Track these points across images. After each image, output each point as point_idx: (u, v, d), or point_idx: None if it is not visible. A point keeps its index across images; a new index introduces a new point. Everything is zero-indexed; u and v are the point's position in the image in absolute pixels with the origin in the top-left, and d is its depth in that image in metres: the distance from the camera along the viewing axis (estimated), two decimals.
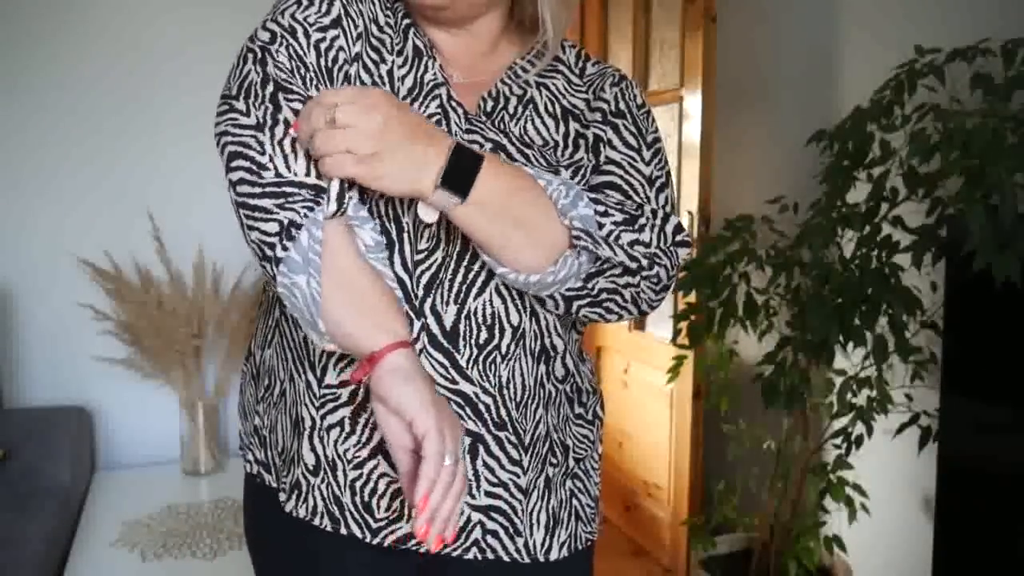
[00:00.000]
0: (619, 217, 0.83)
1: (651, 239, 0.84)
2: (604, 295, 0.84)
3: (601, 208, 0.82)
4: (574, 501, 0.95)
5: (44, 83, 2.34)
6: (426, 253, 0.83)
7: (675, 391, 2.58)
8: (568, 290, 0.83)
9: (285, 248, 0.74)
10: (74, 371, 2.41)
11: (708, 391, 2.24)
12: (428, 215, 0.78)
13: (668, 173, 0.93)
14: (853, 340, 1.66)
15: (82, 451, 2.26)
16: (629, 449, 2.90)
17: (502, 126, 0.89)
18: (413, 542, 0.87)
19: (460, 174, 0.75)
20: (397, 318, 0.77)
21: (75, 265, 2.39)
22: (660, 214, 0.87)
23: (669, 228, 0.87)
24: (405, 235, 0.83)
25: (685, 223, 2.49)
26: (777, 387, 1.80)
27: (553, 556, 0.92)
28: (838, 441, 1.87)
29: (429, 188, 0.75)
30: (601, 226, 0.81)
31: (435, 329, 0.83)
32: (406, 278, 0.83)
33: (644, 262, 0.83)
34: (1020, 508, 1.40)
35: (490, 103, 0.90)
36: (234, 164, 0.77)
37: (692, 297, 2.02)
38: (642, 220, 0.84)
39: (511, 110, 0.90)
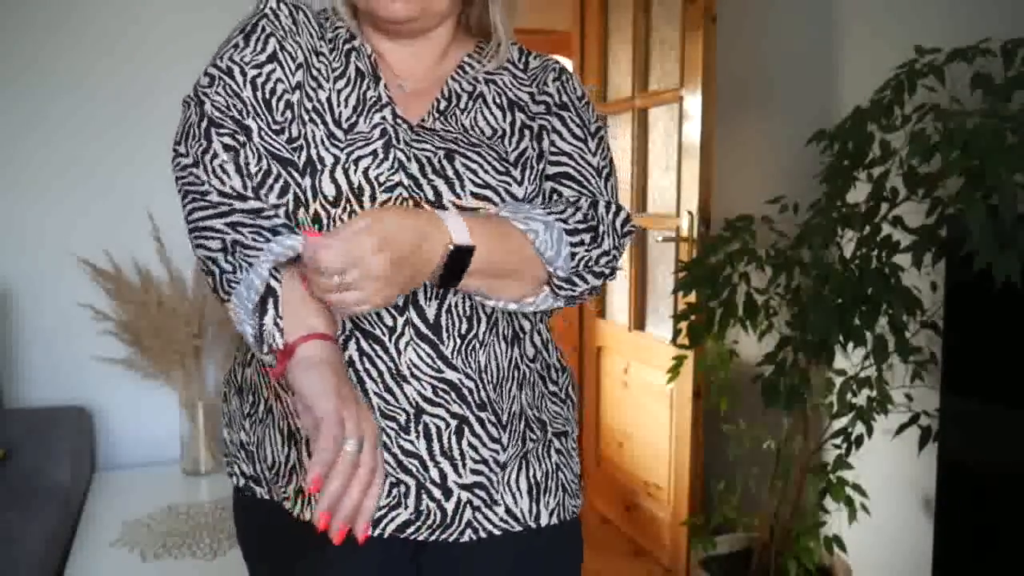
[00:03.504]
0: (587, 239, 0.90)
1: (610, 245, 0.92)
2: (567, 301, 0.93)
3: (576, 239, 0.89)
4: (559, 475, 0.99)
5: (44, 84, 2.34)
6: None
7: (675, 391, 2.58)
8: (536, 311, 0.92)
9: (228, 294, 0.80)
10: (74, 371, 2.41)
11: (708, 391, 2.24)
12: None
13: (611, 160, 1.01)
14: (853, 340, 1.66)
15: (82, 451, 2.26)
16: (629, 449, 2.90)
17: (453, 122, 0.95)
18: (410, 530, 0.90)
19: (452, 274, 0.81)
20: (316, 315, 0.79)
21: (75, 265, 2.39)
22: (612, 208, 0.94)
23: (619, 222, 0.94)
24: None
25: (684, 224, 2.50)
26: (777, 387, 1.80)
27: (544, 522, 0.96)
28: (838, 441, 1.87)
29: (422, 281, 0.82)
30: (574, 256, 0.89)
31: (418, 323, 0.88)
32: None
33: (607, 271, 0.93)
34: (1020, 508, 1.40)
35: (443, 102, 0.97)
36: (185, 201, 0.85)
37: (692, 297, 2.02)
38: (601, 229, 0.92)
39: (462, 106, 0.97)
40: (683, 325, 2.02)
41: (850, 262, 1.72)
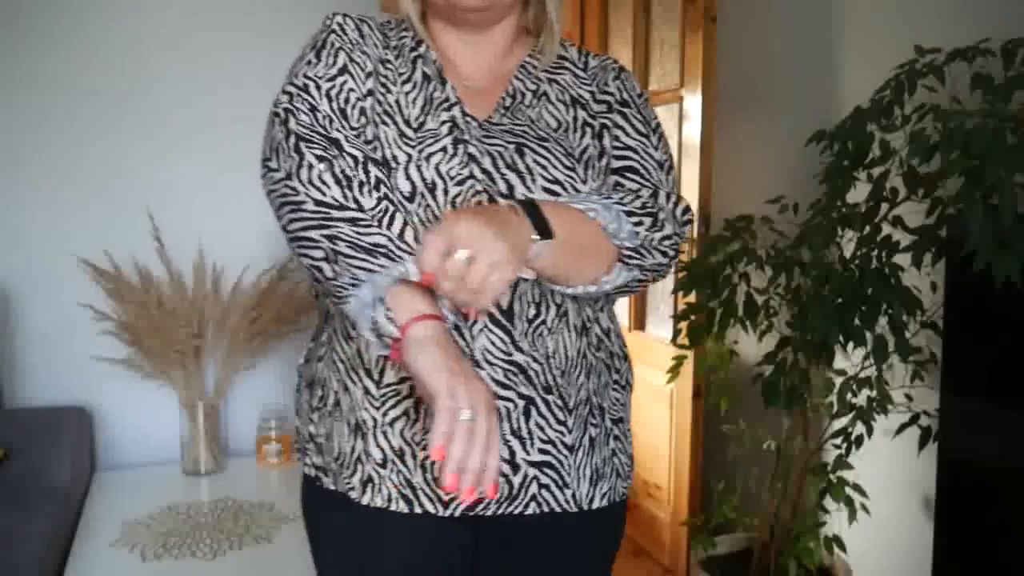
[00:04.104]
0: (648, 222, 0.96)
1: (671, 231, 0.98)
2: (635, 283, 0.99)
3: (636, 219, 0.95)
4: (615, 460, 1.06)
5: (44, 83, 2.34)
6: None
7: (675, 391, 2.58)
8: (614, 289, 0.97)
9: (339, 299, 0.87)
10: (74, 371, 2.41)
11: (708, 391, 2.24)
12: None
13: (670, 154, 1.06)
14: (853, 340, 1.66)
15: (82, 451, 2.26)
16: None
17: (519, 117, 1.02)
18: (481, 507, 0.96)
19: (542, 226, 0.86)
20: (420, 300, 0.85)
21: (75, 265, 2.39)
22: (672, 198, 1.00)
23: (679, 212, 1.00)
24: None
25: None
26: (777, 387, 1.79)
27: (595, 505, 1.03)
28: (838, 441, 1.87)
29: (528, 247, 0.86)
30: (636, 235, 0.95)
31: (493, 309, 0.94)
32: None
33: (671, 252, 0.99)
34: (1020, 508, 1.40)
35: (508, 99, 1.03)
36: (281, 212, 0.90)
37: (692, 297, 2.02)
38: (661, 216, 0.98)
39: (527, 102, 1.04)
40: (683, 325, 2.02)
41: (850, 262, 1.72)
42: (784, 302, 1.90)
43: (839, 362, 1.87)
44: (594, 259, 0.93)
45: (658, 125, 1.06)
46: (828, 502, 1.89)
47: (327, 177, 0.88)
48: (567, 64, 1.08)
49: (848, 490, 1.87)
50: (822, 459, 2.02)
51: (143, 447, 2.49)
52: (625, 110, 1.04)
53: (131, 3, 2.40)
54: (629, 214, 0.95)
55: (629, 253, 0.95)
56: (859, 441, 1.84)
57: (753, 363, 2.05)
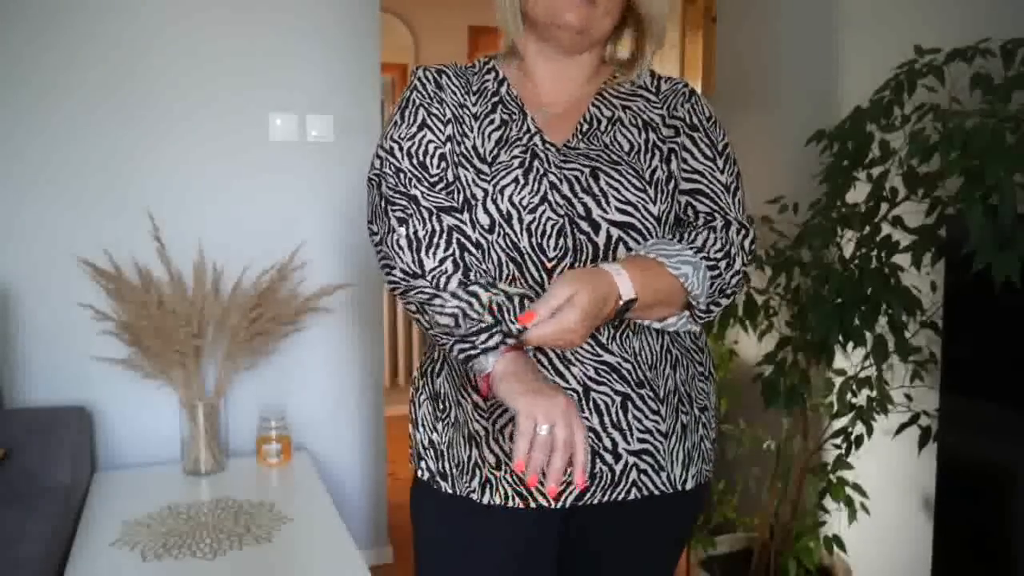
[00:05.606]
0: (723, 263, 1.03)
1: (740, 265, 1.06)
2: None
3: (716, 271, 1.02)
4: (702, 445, 1.15)
5: (44, 83, 2.34)
6: (556, 260, 1.04)
7: None
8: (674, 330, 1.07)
9: (441, 344, 1.00)
10: (74, 371, 2.41)
11: None
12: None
13: (738, 175, 1.14)
14: (853, 340, 1.66)
15: (82, 451, 2.26)
16: None
17: (595, 142, 1.10)
18: (586, 496, 1.06)
19: (619, 316, 0.96)
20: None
21: (75, 265, 2.39)
22: (742, 231, 1.07)
23: (747, 243, 1.08)
24: (526, 256, 1.03)
25: None
26: (777, 387, 1.80)
27: (688, 486, 1.12)
28: (838, 441, 1.87)
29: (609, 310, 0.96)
30: (713, 284, 1.02)
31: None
32: (547, 281, 1.04)
33: (736, 290, 1.07)
34: (1019, 508, 1.40)
35: (585, 125, 1.12)
36: (382, 271, 1.05)
37: None
38: (734, 251, 1.05)
39: (603, 128, 1.12)
40: None
41: (850, 262, 1.72)
42: (784, 302, 1.90)
43: (839, 362, 1.87)
44: (666, 310, 1.02)
45: (725, 147, 1.12)
46: (828, 502, 1.90)
47: (403, 242, 1.01)
48: (640, 91, 1.16)
49: (848, 490, 1.87)
50: (822, 459, 2.02)
51: (143, 447, 2.49)
52: (694, 134, 1.11)
53: (133, 3, 2.40)
54: (712, 267, 1.02)
55: (700, 314, 1.03)
56: (859, 441, 1.84)
57: (753, 363, 2.05)
